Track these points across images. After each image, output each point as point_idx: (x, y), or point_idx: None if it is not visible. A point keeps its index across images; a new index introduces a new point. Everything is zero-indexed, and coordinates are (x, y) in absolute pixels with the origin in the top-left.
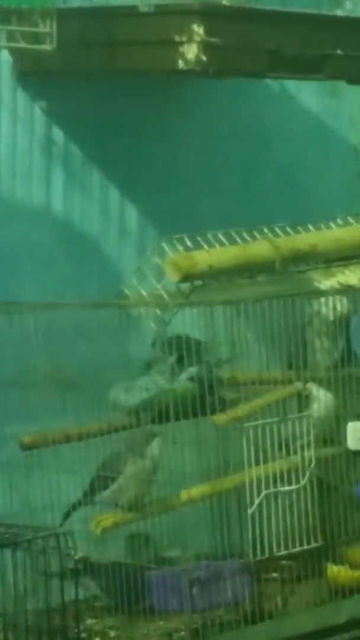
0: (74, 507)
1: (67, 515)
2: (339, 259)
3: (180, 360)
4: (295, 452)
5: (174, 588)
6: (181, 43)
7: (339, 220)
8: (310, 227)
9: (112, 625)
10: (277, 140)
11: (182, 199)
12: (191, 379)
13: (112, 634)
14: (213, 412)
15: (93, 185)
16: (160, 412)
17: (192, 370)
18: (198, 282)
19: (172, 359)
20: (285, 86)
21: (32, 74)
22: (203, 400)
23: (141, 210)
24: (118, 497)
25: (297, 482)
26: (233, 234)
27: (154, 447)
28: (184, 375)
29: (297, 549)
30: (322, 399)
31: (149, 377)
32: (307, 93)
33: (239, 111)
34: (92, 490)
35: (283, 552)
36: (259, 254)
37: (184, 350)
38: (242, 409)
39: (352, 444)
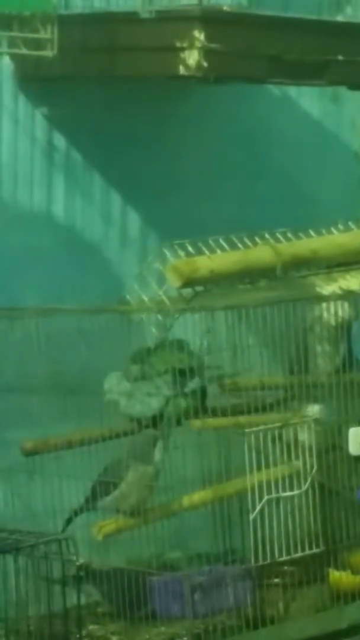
0: (75, 513)
1: (69, 521)
2: (340, 264)
3: (182, 372)
4: (297, 458)
5: (176, 593)
6: (182, 49)
7: (340, 226)
8: (312, 233)
9: (114, 631)
10: (278, 145)
11: (183, 204)
12: (193, 392)
13: (114, 639)
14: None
15: (94, 190)
16: (170, 423)
17: (195, 383)
18: (199, 288)
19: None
20: (286, 91)
21: (33, 79)
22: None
23: (143, 216)
24: (120, 503)
25: (299, 487)
26: (234, 239)
27: (157, 452)
28: (188, 387)
29: (299, 554)
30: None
31: (150, 382)
32: (308, 98)
33: (240, 116)
34: (93, 496)
35: (285, 558)
36: (260, 260)
37: (185, 360)
38: (220, 420)
39: (353, 449)
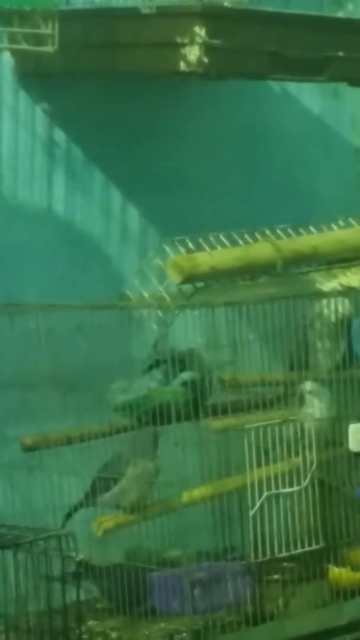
0: (75, 509)
1: (68, 516)
2: (340, 261)
3: (173, 365)
4: (296, 454)
5: (176, 590)
6: (183, 45)
7: (340, 222)
8: (312, 229)
9: (114, 627)
10: (278, 141)
11: (184, 200)
12: (184, 383)
13: (114, 635)
14: (206, 415)
15: (95, 186)
16: (146, 411)
17: (185, 375)
18: (200, 284)
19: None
20: (286, 88)
21: (33, 75)
22: (196, 405)
23: (143, 212)
24: (120, 499)
25: (299, 483)
26: (235, 235)
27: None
28: (176, 381)
29: (299, 550)
30: (317, 402)
31: (149, 378)
32: (308, 94)
33: (241, 113)
34: (93, 492)
35: (284, 554)
36: (261, 256)
37: (176, 357)
38: (237, 419)
39: (353, 445)
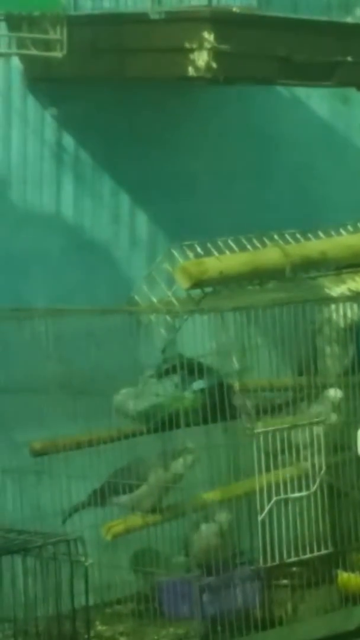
0: (82, 506)
1: (74, 510)
2: (349, 266)
3: (190, 372)
4: (305, 459)
5: (185, 594)
6: (192, 50)
7: (349, 227)
8: (321, 234)
9: (123, 631)
10: (287, 146)
11: (192, 205)
12: (201, 390)
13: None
14: (224, 419)
15: (103, 191)
16: (170, 418)
17: (202, 382)
18: (208, 289)
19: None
20: (295, 93)
21: (42, 80)
22: (214, 409)
23: (152, 217)
24: (138, 503)
25: (308, 488)
26: (243, 240)
27: (179, 464)
28: (194, 386)
29: (308, 555)
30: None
31: (159, 384)
32: (317, 99)
33: (250, 118)
34: (109, 492)
35: (293, 559)
36: (269, 261)
37: (195, 365)
38: (276, 421)
39: None
